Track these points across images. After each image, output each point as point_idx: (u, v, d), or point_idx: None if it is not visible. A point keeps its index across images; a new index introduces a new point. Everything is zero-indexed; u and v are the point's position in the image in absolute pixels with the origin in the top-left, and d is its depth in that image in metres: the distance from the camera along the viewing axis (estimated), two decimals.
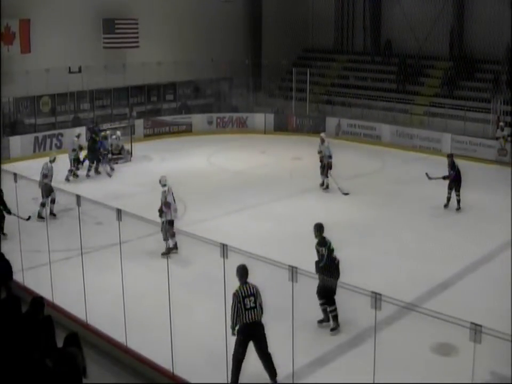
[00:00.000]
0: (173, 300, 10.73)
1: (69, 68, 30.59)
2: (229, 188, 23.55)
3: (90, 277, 12.98)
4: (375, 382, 8.45)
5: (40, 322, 9.28)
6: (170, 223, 16.51)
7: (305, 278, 8.99)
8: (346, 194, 22.18)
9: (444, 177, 20.87)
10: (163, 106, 35.16)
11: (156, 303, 12.62)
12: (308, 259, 13.91)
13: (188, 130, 33.97)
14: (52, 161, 20.69)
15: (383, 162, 28.02)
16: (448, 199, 20.87)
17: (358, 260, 16.29)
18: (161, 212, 16.53)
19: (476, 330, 7.23)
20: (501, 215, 20.14)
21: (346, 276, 13.51)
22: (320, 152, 23.29)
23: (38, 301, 9.78)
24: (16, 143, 28.09)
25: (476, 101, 30.97)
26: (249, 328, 10.40)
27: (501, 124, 28.04)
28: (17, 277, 14.15)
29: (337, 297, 12.96)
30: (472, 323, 7.27)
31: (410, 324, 11.21)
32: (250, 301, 10.31)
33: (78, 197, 12.26)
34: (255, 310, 10.34)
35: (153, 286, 13.39)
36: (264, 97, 37.65)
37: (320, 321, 13.05)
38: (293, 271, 8.84)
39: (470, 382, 7.84)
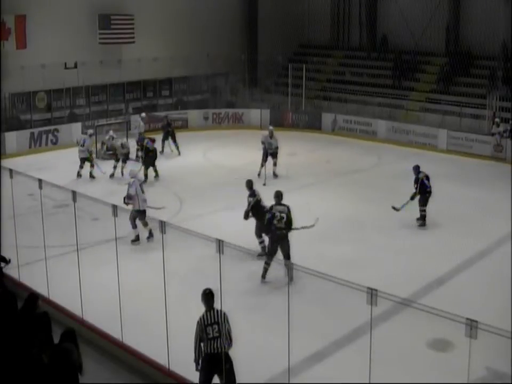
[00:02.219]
0: (169, 295, 10.74)
1: (65, 63, 30.52)
2: (225, 183, 23.53)
3: (86, 273, 12.97)
4: (371, 377, 8.46)
5: (36, 319, 9.27)
6: (139, 212, 17.15)
7: (302, 275, 9.00)
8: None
9: (411, 198, 19.33)
10: (159, 102, 35.11)
11: (152, 299, 12.60)
12: (305, 255, 13.96)
13: (183, 126, 33.94)
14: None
15: (379, 158, 28.04)
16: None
17: (353, 256, 16.32)
18: (125, 201, 17.25)
19: (472, 326, 7.24)
20: (496, 210, 20.18)
21: (342, 271, 13.52)
22: (263, 143, 24.62)
23: (33, 297, 9.78)
24: (12, 138, 28.04)
25: (471, 96, 31.00)
26: (211, 360, 9.50)
27: (497, 119, 28.07)
28: (13, 272, 14.16)
29: (333, 293, 13.04)
30: (468, 319, 7.28)
31: (406, 320, 11.21)
32: (213, 330, 9.39)
33: (74, 193, 12.25)
34: (219, 340, 9.37)
35: (149, 281, 13.38)
36: (260, 93, 37.63)
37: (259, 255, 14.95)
38: (289, 267, 8.84)
39: (466, 377, 7.84)
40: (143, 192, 17.60)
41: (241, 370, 10.34)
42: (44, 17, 29.70)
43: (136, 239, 17.38)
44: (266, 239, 15.44)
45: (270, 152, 24.29)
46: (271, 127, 25.56)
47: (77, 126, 30.49)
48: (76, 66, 30.86)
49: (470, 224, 19.26)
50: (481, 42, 32.00)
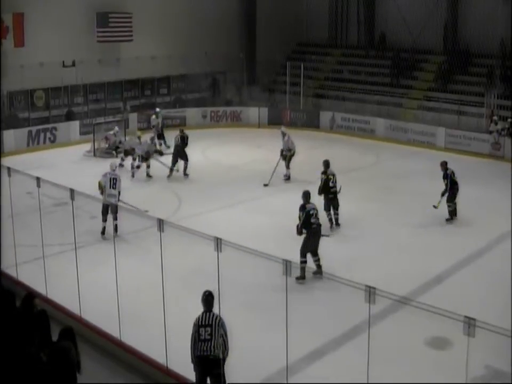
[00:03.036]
0: (167, 294, 10.73)
1: (63, 61, 30.52)
2: (224, 182, 23.54)
3: (84, 271, 12.98)
4: (370, 375, 8.46)
5: (34, 317, 9.26)
6: (105, 205, 17.20)
7: (299, 272, 9.00)
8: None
9: (442, 194, 19.62)
10: (157, 100, 35.08)
11: (150, 297, 12.61)
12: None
13: (182, 124, 33.90)
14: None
15: (377, 156, 28.04)
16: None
17: (352, 254, 16.32)
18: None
19: (470, 324, 7.24)
20: (494, 209, 20.20)
21: (340, 270, 13.53)
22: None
23: (30, 297, 9.77)
24: (10, 137, 28.02)
25: (469, 95, 31.01)
26: (201, 362, 9.45)
27: (495, 117, 28.08)
28: (11, 271, 14.15)
29: (332, 291, 13.07)
30: (466, 317, 7.28)
31: (405, 318, 11.20)
32: (206, 332, 9.33)
33: (72, 191, 12.25)
34: (210, 342, 9.29)
35: (147, 280, 13.37)
36: (259, 91, 37.63)
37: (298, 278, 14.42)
38: (287, 265, 8.83)
39: (464, 375, 7.84)
40: (113, 187, 17.86)
41: (239, 369, 10.35)
42: (42, 16, 29.68)
43: (102, 232, 17.55)
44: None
45: (283, 153, 24.14)
46: (282, 128, 25.39)
47: (75, 124, 30.49)
48: (74, 65, 30.88)
49: (468, 222, 19.25)
50: (479, 40, 31.97)
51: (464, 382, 7.98)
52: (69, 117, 31.15)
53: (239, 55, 37.12)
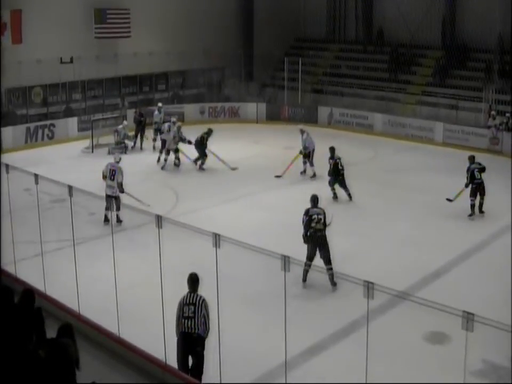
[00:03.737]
0: (165, 290, 10.73)
1: (61, 58, 30.47)
2: (221, 177, 23.55)
3: (83, 268, 12.96)
4: (368, 370, 8.47)
5: (32, 314, 9.26)
6: (106, 195, 17.91)
7: (297, 267, 9.00)
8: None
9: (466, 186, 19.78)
10: (155, 96, 35.07)
11: (149, 294, 12.61)
12: (300, 248, 13.97)
13: (180, 120, 33.86)
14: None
15: (375, 151, 28.06)
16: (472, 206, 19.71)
17: (350, 249, 16.33)
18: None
19: (468, 319, 7.25)
20: (493, 203, 20.19)
21: (339, 264, 13.56)
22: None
23: (29, 293, 9.76)
24: (8, 133, 28.00)
25: (467, 90, 31.06)
26: (183, 338, 10.03)
27: (493, 112, 28.09)
28: (9, 268, 14.14)
29: (329, 286, 13.09)
30: (464, 311, 7.29)
31: (403, 313, 11.22)
32: (189, 310, 9.94)
33: (70, 188, 12.24)
34: (192, 320, 9.87)
35: (146, 276, 13.37)
36: (256, 87, 37.63)
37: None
38: (285, 260, 8.83)
39: (462, 370, 7.85)
40: (111, 179, 18.54)
41: (238, 364, 10.36)
42: (40, 12, 29.66)
43: (105, 219, 18.03)
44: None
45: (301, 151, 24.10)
46: (300, 126, 25.40)
47: (73, 121, 30.52)
48: (71, 61, 30.83)
49: (467, 216, 19.26)
50: (477, 35, 31.98)
51: (462, 377, 8.00)
52: (67, 113, 31.14)
53: (237, 50, 37.11)
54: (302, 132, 24.29)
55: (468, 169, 19.59)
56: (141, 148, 28.47)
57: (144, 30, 33.30)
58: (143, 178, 23.70)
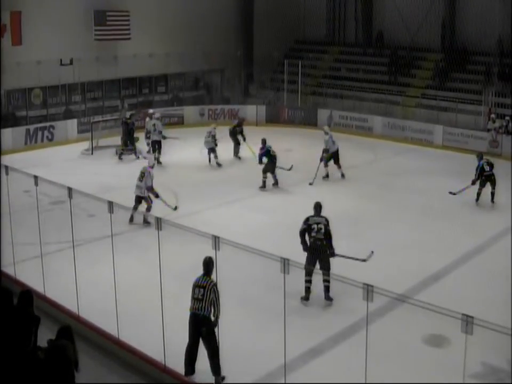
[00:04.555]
0: (164, 292, 10.74)
1: (60, 60, 30.48)
2: (221, 179, 23.55)
3: (82, 270, 12.97)
4: (367, 373, 8.47)
5: (30, 316, 9.26)
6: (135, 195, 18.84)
7: (297, 270, 9.00)
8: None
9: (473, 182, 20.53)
10: (155, 98, 35.10)
11: (148, 296, 12.62)
12: (300, 251, 13.95)
13: (179, 122, 33.94)
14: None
15: (374, 154, 28.05)
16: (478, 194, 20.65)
17: (349, 252, 16.30)
18: None
19: (468, 322, 7.26)
20: (492, 206, 20.21)
21: (338, 267, 13.54)
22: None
23: (27, 294, 9.76)
24: (8, 135, 27.98)
25: (467, 92, 31.04)
26: (193, 319, 10.42)
27: (493, 115, 28.10)
28: (8, 269, 14.14)
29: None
30: (463, 314, 7.29)
31: (402, 315, 11.24)
32: (199, 292, 10.28)
33: (70, 189, 12.25)
34: (201, 302, 10.22)
35: (145, 278, 13.37)
36: (256, 89, 37.64)
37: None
38: (285, 263, 8.84)
39: (462, 372, 7.86)
40: (140, 180, 18.96)
41: (238, 366, 10.37)
42: (40, 14, 29.64)
43: (130, 219, 18.47)
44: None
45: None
46: (324, 127, 25.16)
47: (73, 123, 30.51)
48: (71, 63, 30.84)
49: (466, 219, 19.28)
50: (477, 38, 32.00)
51: (461, 379, 8.00)
52: (67, 115, 31.14)
53: (236, 53, 37.13)
54: (326, 133, 23.87)
55: (477, 167, 20.19)
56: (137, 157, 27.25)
57: (144, 32, 33.27)
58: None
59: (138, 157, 26.63)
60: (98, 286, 13.47)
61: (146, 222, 18.30)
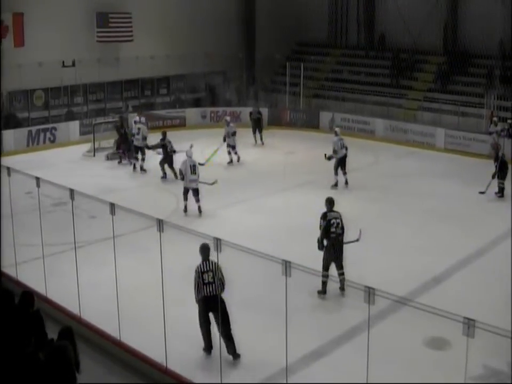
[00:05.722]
0: (166, 294, 10.74)
1: (63, 61, 30.51)
2: (222, 181, 23.51)
3: (83, 271, 12.98)
4: (369, 375, 8.47)
5: (31, 316, 9.26)
6: (186, 189, 20.09)
7: (298, 272, 9.00)
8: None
9: (493, 176, 21.37)
10: (156, 100, 35.13)
11: (150, 297, 12.63)
12: (301, 253, 13.95)
13: (181, 124, 33.96)
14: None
15: (376, 156, 28.04)
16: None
17: (351, 254, 16.29)
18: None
19: (469, 325, 7.25)
20: (493, 209, 20.21)
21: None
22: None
23: (28, 295, 9.76)
24: (10, 137, 28.04)
25: (469, 95, 31.04)
26: (207, 301, 11.14)
27: (495, 118, 28.06)
28: (10, 271, 14.16)
29: (331, 291, 13.08)
30: (465, 317, 7.29)
31: (404, 318, 11.23)
32: (208, 276, 11.08)
33: (72, 191, 12.26)
34: (213, 285, 11.06)
35: (147, 280, 13.38)
36: (258, 91, 37.62)
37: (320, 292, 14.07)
38: (286, 265, 8.84)
39: (463, 375, 7.86)
40: (194, 173, 19.92)
41: (239, 369, 10.37)
42: (42, 15, 29.67)
43: (184, 210, 20.06)
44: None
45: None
46: (336, 128, 24.76)
47: (75, 124, 30.54)
48: (73, 65, 30.87)
49: (468, 222, 19.27)
50: (479, 41, 31.96)
51: (462, 382, 8.00)
52: (69, 117, 31.16)
53: (238, 55, 37.14)
54: (336, 134, 23.44)
55: (497, 158, 21.42)
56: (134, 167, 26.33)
57: (146, 33, 33.31)
58: (145, 181, 23.74)
59: (120, 162, 26.47)
60: (99, 287, 13.49)
61: (200, 211, 19.99)
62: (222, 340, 10.88)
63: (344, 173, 22.93)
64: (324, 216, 14.29)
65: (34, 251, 14.28)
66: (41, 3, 29.75)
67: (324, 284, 13.93)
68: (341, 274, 13.99)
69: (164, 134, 24.46)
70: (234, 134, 26.44)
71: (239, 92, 37.41)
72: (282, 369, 9.74)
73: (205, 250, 11.15)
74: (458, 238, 17.85)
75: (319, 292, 14.01)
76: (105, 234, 16.44)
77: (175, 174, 23.36)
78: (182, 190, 20.37)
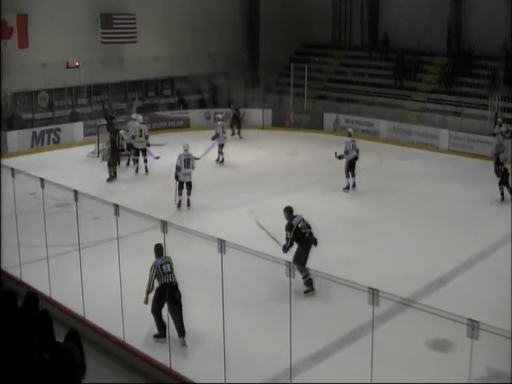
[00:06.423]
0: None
1: (67, 62, 30.53)
2: (226, 183, 23.55)
3: (87, 272, 12.99)
4: (373, 377, 8.47)
5: (36, 318, 9.26)
6: (181, 183, 20.68)
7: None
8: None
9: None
10: (160, 102, 35.14)
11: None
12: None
13: (185, 125, 33.97)
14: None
15: (380, 158, 28.02)
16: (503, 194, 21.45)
17: (354, 256, 16.32)
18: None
19: (473, 326, 7.25)
20: (498, 211, 20.19)
21: (343, 271, 13.52)
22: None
23: (32, 296, 9.76)
24: (14, 138, 28.10)
25: (473, 97, 31.04)
26: (165, 288, 11.90)
27: (499, 119, 28.03)
28: (14, 272, 14.18)
29: (334, 292, 13.05)
30: (469, 319, 7.29)
31: (408, 320, 11.21)
32: (167, 268, 11.99)
33: (76, 192, 12.28)
34: (170, 274, 11.99)
35: None
36: (262, 93, 37.63)
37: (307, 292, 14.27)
38: (290, 267, 8.85)
39: (467, 377, 7.85)
40: (188, 167, 20.47)
41: (242, 369, 10.36)
42: (46, 17, 29.71)
43: (178, 205, 20.62)
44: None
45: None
46: (349, 129, 24.59)
47: (79, 126, 30.57)
48: (78, 66, 30.86)
49: (472, 224, 19.25)
50: (483, 42, 31.92)
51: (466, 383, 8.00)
52: (73, 118, 31.19)
53: (242, 56, 37.13)
54: (349, 134, 23.24)
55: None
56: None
57: (150, 35, 33.32)
58: (149, 182, 23.75)
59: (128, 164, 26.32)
60: (103, 288, 13.49)
61: (189, 205, 20.69)
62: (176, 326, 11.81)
63: (353, 175, 22.80)
64: (290, 227, 14.58)
65: (38, 252, 14.30)
66: (45, 4, 29.79)
67: (309, 280, 14.15)
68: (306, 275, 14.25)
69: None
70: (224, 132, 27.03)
71: (243, 93, 37.39)
72: (286, 370, 9.75)
73: (158, 249, 12.09)
74: (462, 239, 17.83)
75: (306, 292, 14.17)
76: (109, 236, 16.49)
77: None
78: (185, 192, 20.45)
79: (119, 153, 24.82)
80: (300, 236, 14.46)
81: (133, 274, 12.85)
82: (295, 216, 14.80)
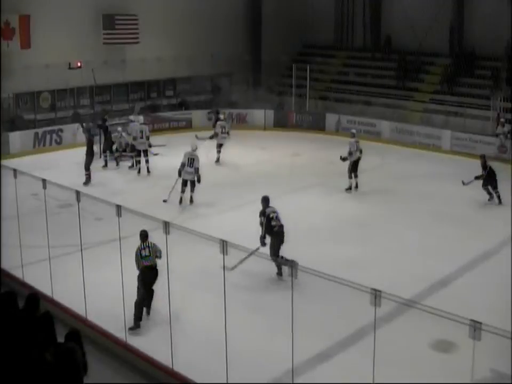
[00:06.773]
0: (172, 295, 10.74)
1: (69, 63, 30.52)
2: (228, 184, 23.53)
3: (89, 273, 12.99)
4: (375, 378, 8.45)
5: (37, 319, 9.25)
6: (184, 181, 20.96)
7: (305, 274, 8.99)
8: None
9: (476, 177, 21.39)
10: (163, 102, 35.13)
11: (155, 299, 12.65)
12: (308, 255, 13.95)
13: (187, 126, 33.95)
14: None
15: (382, 158, 27.99)
16: (490, 194, 21.36)
17: (357, 257, 16.30)
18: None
19: (476, 328, 7.23)
20: (500, 212, 20.17)
21: (345, 272, 13.51)
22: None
23: (33, 297, 9.75)
24: (16, 138, 28.09)
25: (475, 97, 31.02)
26: (145, 271, 12.66)
27: (502, 120, 28.02)
28: (16, 272, 14.18)
29: (336, 293, 13.03)
30: (471, 320, 7.27)
31: (410, 321, 11.21)
32: (145, 251, 12.82)
33: (78, 193, 12.27)
34: (150, 257, 12.72)
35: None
36: (264, 93, 37.63)
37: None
38: (293, 267, 8.84)
39: (470, 378, 7.84)
40: (190, 166, 20.68)
41: (245, 370, 10.35)
42: (48, 17, 29.73)
43: (179, 201, 20.85)
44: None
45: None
46: (353, 130, 24.58)
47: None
48: (80, 66, 30.86)
49: (474, 225, 19.24)
50: (485, 43, 31.94)
51: None
52: (75, 118, 31.17)
53: (244, 57, 37.12)
54: (353, 135, 23.17)
55: (485, 167, 21.57)
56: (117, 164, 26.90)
57: (152, 35, 33.32)
58: (151, 183, 23.73)
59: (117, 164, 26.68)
60: (106, 289, 13.49)
61: (192, 202, 21.03)
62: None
63: (355, 176, 22.73)
64: (263, 213, 15.42)
65: (40, 253, 14.29)
66: (47, 5, 29.82)
67: (280, 267, 14.62)
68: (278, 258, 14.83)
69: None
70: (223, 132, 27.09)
71: (245, 93, 37.38)
72: (288, 371, 9.73)
73: (142, 236, 13.07)
74: (465, 240, 17.82)
75: (277, 274, 14.70)
76: (111, 236, 16.48)
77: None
78: (187, 192, 20.45)
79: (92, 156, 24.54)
80: (271, 228, 15.12)
81: (135, 275, 12.85)
82: (269, 207, 15.59)
